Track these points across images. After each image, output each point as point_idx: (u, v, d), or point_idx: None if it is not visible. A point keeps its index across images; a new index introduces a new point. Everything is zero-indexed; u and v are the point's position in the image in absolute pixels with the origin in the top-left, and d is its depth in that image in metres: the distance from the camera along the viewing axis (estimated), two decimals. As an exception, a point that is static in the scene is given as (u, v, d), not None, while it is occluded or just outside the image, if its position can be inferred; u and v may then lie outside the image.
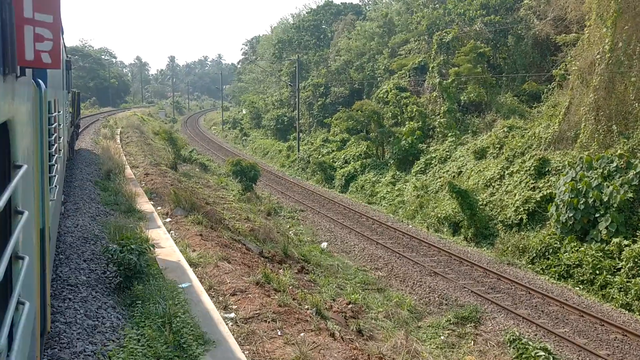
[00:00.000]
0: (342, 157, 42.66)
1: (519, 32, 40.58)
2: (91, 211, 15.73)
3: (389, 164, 38.08)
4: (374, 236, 25.89)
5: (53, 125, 8.03)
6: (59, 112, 9.96)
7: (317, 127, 56.55)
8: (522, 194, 25.55)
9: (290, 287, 14.38)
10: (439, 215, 28.41)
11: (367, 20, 60.26)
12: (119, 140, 41.33)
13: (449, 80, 37.63)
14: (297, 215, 29.73)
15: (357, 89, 55.21)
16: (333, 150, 45.10)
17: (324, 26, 70.45)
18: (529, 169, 26.37)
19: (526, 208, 24.71)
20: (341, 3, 73.01)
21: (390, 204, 33.71)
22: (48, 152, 6.90)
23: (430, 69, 40.95)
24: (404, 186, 34.95)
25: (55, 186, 8.08)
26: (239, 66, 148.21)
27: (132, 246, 9.97)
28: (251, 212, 26.58)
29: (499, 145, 30.94)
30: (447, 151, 34.94)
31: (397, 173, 36.62)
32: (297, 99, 50.38)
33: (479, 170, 30.25)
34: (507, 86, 39.80)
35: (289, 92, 65.61)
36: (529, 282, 19.59)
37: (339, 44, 60.00)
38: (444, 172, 33.35)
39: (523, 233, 23.98)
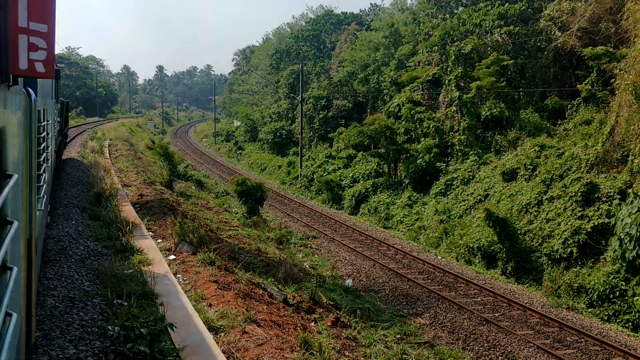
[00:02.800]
0: (350, 175, 39.53)
1: (538, 44, 37.97)
2: (79, 252, 12.42)
3: (403, 184, 34.99)
4: (401, 269, 22.74)
5: (42, 135, 8.02)
6: (47, 121, 9.85)
7: (318, 142, 53.50)
8: (569, 223, 22.54)
9: (334, 353, 11.28)
10: (470, 245, 25.35)
11: (372, 30, 57.52)
12: (107, 154, 37.95)
13: (470, 95, 34.75)
14: (310, 243, 26.50)
15: (361, 102, 52.30)
16: (339, 168, 41.98)
17: (323, 36, 67.59)
18: (575, 195, 23.40)
19: (576, 240, 21.69)
20: (342, 13, 70.35)
21: (408, 229, 30.61)
22: (37, 161, 6.80)
23: (446, 82, 38.11)
24: (423, 209, 31.89)
25: (43, 196, 8.03)
26: (229, 77, 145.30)
27: (142, 330, 6.74)
28: (260, 241, 23.34)
29: (531, 167, 28.00)
30: (469, 171, 31.96)
31: (414, 194, 33.56)
32: (300, 112, 47.24)
33: (511, 194, 27.27)
34: (526, 101, 37.08)
35: (288, 104, 62.56)
36: (600, 334, 16.51)
37: (341, 55, 57.15)
38: (467, 195, 30.35)
39: (575, 269, 20.93)
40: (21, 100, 4.74)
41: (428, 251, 26.44)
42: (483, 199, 29.18)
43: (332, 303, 16.33)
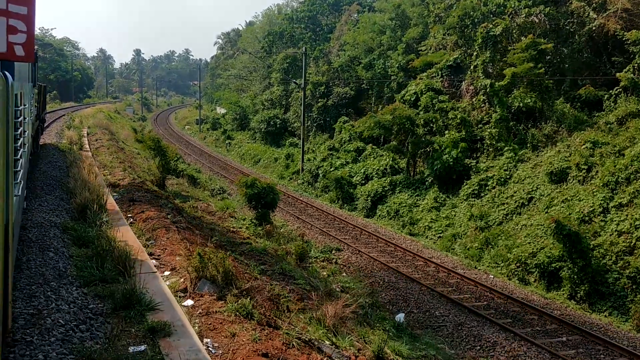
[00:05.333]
0: (362, 171, 35.37)
1: (568, 27, 34.11)
2: (61, 319, 8.10)
3: (426, 183, 30.97)
4: (452, 293, 18.79)
5: (19, 119, 7.93)
6: (25, 105, 9.71)
7: (317, 132, 49.22)
8: (653, 238, 18.80)
9: None
10: (523, 260, 21.50)
11: (375, 11, 53.17)
12: (87, 146, 33.27)
13: (503, 82, 30.79)
14: (334, 257, 22.33)
15: (365, 89, 48.09)
16: (347, 162, 37.77)
17: (320, 18, 63.03)
18: (655, 203, 19.66)
19: (666, 259, 17.96)
20: (339, -8, 65.76)
21: (439, 237, 26.68)
22: (14, 146, 6.75)
23: (471, 68, 34.10)
24: (453, 213, 27.96)
25: (20, 181, 7.98)
26: (211, 61, 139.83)
27: None
28: (280, 258, 19.18)
29: (585, 167, 24.20)
30: (505, 169, 28.07)
31: (440, 195, 29.58)
32: (302, 100, 42.79)
33: (565, 198, 23.44)
34: (555, 91, 33.26)
35: (281, 91, 58.06)
36: None
37: (342, 38, 52.77)
38: (506, 197, 26.50)
39: (670, 297, 17.21)
40: None
41: (474, 267, 22.47)
42: (527, 203, 25.36)
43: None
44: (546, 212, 23.59)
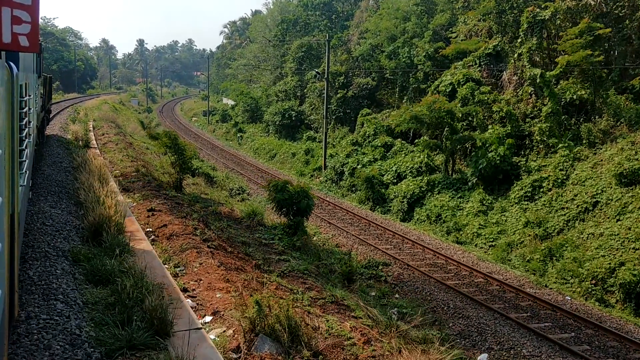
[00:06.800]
0: (393, 169, 32.38)
1: (617, 12, 30.98)
2: None
3: (469, 183, 28.00)
4: (530, 321, 15.87)
5: (24, 110, 7.88)
6: (29, 96, 9.70)
7: (336, 125, 46.18)
8: None
9: None
10: (600, 276, 18.60)
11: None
12: (95, 142, 30.43)
13: (555, 72, 27.77)
14: (382, 274, 19.39)
15: (388, 80, 44.99)
16: (375, 159, 34.78)
17: (336, 4, 59.81)
18: None
19: None
20: (356, -22, 62.43)
21: (490, 246, 23.77)
22: (19, 136, 6.68)
23: (514, 56, 31.03)
24: (504, 218, 25.03)
25: (25, 171, 8.04)
26: (217, 51, 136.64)
27: None
28: (324, 279, 16.35)
29: (662, 169, 21.26)
30: (561, 169, 25.13)
31: (487, 197, 26.64)
32: (325, 91, 39.74)
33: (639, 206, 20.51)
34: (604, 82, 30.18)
35: (296, 82, 54.99)
36: None
37: (363, 25, 49.62)
38: (566, 201, 23.57)
39: None
40: (3, 74, 4.53)
41: (544, 285, 19.54)
42: (591, 208, 22.43)
43: None
44: (618, 220, 20.71)
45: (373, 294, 17.65)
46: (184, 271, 12.13)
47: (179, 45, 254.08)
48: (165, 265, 12.03)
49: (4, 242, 4.22)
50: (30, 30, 4.21)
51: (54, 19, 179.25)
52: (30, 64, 10.80)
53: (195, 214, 17.73)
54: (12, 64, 5.50)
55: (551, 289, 19.10)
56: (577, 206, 22.86)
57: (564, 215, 23.02)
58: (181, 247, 13.37)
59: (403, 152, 34.09)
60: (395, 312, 16.20)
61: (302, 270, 16.37)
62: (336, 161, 36.65)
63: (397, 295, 17.67)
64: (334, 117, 46.89)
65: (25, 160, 7.82)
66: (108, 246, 11.23)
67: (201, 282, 11.46)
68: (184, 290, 10.72)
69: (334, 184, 36.04)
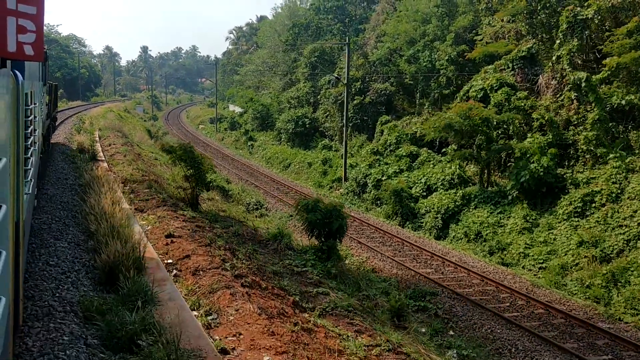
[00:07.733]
0: (422, 181, 30.12)
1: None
2: None
3: (509, 197, 25.71)
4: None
5: (29, 118, 7.92)
6: (35, 104, 9.74)
7: (353, 133, 43.99)
8: None
9: None
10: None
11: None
12: (101, 153, 28.30)
13: (601, 75, 25.55)
14: (431, 307, 17.04)
15: (408, 85, 42.82)
16: (401, 170, 32.53)
17: (350, 8, 57.70)
18: None
19: None
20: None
21: (540, 268, 21.46)
22: (24, 144, 6.69)
23: (553, 59, 28.81)
24: (552, 236, 22.74)
25: (31, 179, 7.92)
26: (223, 57, 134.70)
27: None
28: (374, 326, 14.05)
29: None
30: (614, 182, 22.86)
31: (530, 212, 24.37)
32: (345, 98, 37.52)
33: None
34: None
35: (309, 88, 52.85)
36: None
37: (379, 28, 47.47)
38: (623, 218, 21.27)
39: None
40: (8, 83, 4.60)
41: (617, 318, 17.22)
42: (653, 227, 20.15)
43: None
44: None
45: (424, 330, 15.38)
46: (218, 320, 9.89)
47: (183, 51, 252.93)
48: (195, 313, 9.86)
49: (8, 250, 4.13)
50: (35, 39, 4.19)
51: (57, 25, 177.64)
52: (35, 72, 10.67)
53: (219, 239, 15.51)
54: (17, 72, 5.49)
55: (627, 323, 16.78)
56: (638, 224, 20.58)
57: (623, 234, 20.72)
58: (211, 287, 11.13)
59: (431, 162, 31.86)
60: (455, 356, 13.95)
61: (346, 307, 14.08)
62: (358, 172, 34.41)
63: (451, 332, 15.40)
64: (350, 124, 44.71)
65: (30, 169, 7.76)
66: (126, 293, 9.04)
67: (241, 337, 9.22)
68: (223, 351, 8.48)
69: (356, 197, 33.79)
